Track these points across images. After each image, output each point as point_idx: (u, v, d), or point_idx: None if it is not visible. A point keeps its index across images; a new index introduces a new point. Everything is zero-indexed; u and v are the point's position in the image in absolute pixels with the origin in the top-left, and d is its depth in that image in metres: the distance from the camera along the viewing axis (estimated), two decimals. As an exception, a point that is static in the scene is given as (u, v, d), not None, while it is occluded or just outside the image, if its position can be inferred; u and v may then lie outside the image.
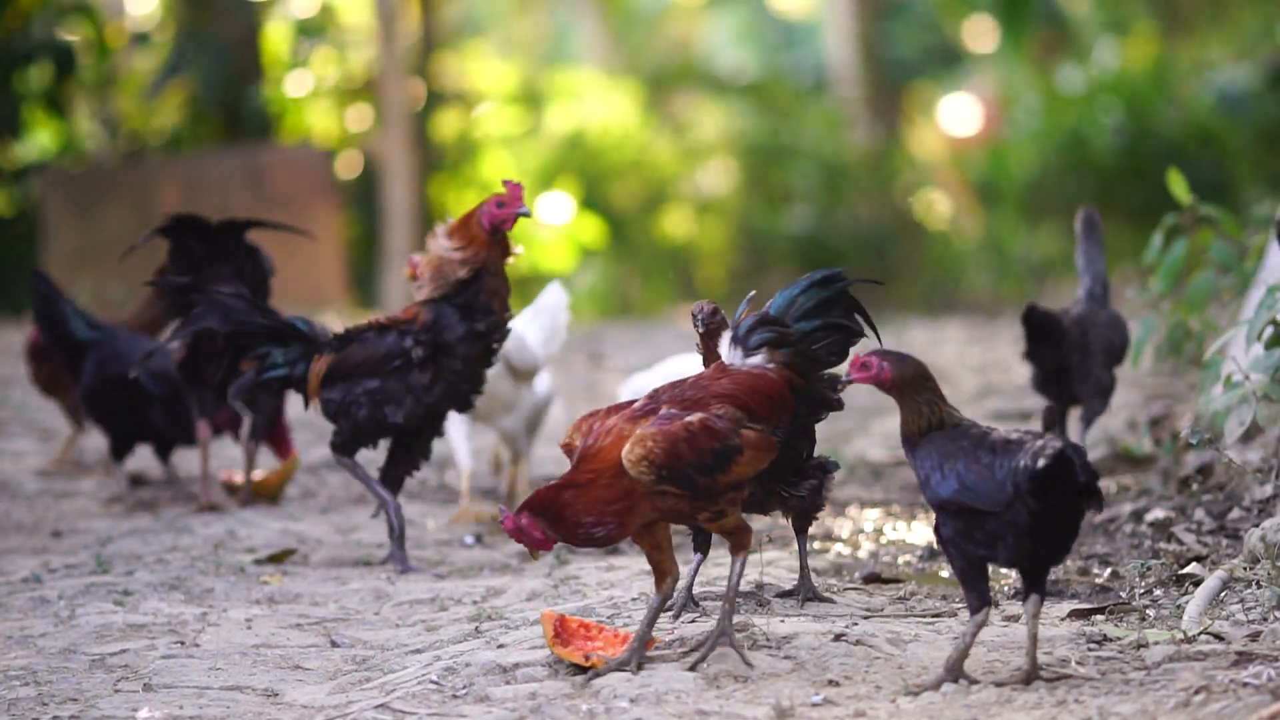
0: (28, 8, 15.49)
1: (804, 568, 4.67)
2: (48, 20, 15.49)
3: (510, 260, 5.33)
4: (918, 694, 3.80)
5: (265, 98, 16.63)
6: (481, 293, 5.29)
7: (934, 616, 4.54)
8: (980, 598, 3.79)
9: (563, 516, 3.91)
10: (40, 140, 16.20)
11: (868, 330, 4.33)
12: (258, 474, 6.57)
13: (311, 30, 17.06)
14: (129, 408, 6.67)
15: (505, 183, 5.26)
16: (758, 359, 4.07)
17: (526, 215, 5.23)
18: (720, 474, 3.92)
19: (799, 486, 4.49)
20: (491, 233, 5.26)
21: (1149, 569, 4.89)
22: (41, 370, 7.26)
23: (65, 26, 15.55)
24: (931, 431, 3.77)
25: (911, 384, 3.80)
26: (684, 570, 4.85)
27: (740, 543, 4.07)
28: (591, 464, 3.93)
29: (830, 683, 3.97)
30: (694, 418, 3.92)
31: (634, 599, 4.77)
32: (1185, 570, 4.82)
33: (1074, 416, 6.20)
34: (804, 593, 4.65)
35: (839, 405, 4.29)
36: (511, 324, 5.42)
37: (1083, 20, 19.03)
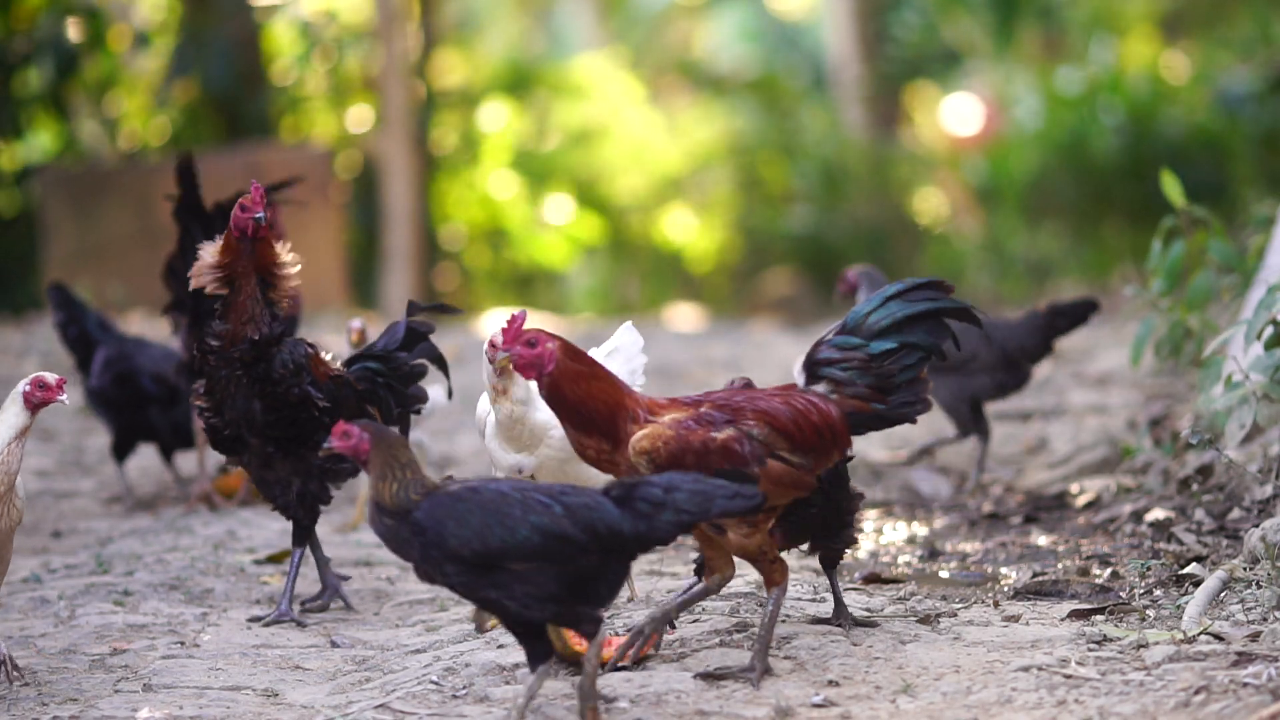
0: (33, 8, 15.49)
1: (839, 600, 4.47)
2: (52, 21, 15.49)
3: (278, 274, 4.87)
4: None
5: (266, 98, 16.63)
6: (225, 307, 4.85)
7: (934, 617, 4.54)
8: (546, 647, 3.65)
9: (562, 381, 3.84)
10: (41, 141, 16.20)
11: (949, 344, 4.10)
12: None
13: (311, 32, 17.05)
14: (132, 406, 6.71)
15: (254, 185, 4.87)
16: (821, 388, 3.99)
17: (259, 220, 4.78)
18: None
19: (839, 537, 4.38)
20: (240, 239, 4.80)
21: (1149, 569, 4.89)
22: None
23: (69, 27, 15.54)
24: (407, 502, 3.61)
25: (388, 453, 3.65)
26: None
27: (770, 576, 3.96)
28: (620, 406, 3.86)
29: (830, 683, 3.97)
30: (720, 435, 3.85)
31: (631, 599, 4.78)
32: (1185, 570, 4.82)
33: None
34: (846, 622, 4.43)
35: (914, 419, 4.10)
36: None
37: (1081, 20, 19.02)
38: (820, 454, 3.95)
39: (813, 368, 4.00)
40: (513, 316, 3.93)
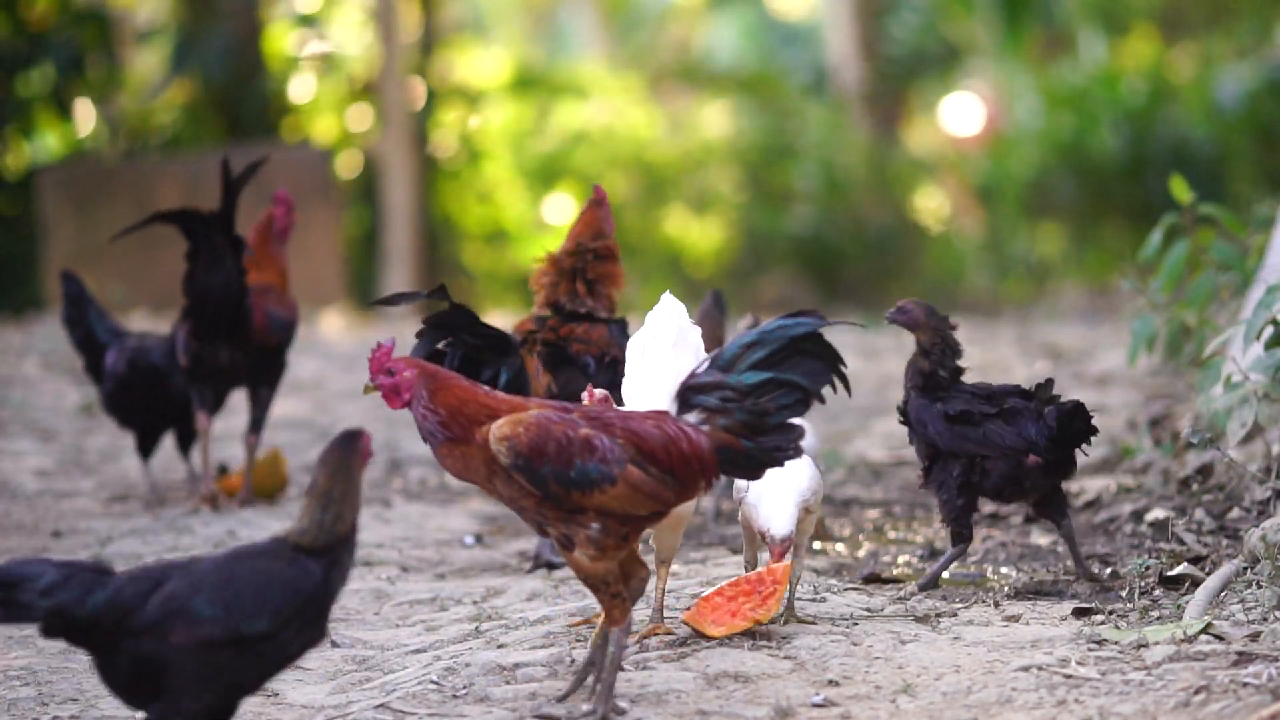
0: (38, 10, 15.51)
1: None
2: (60, 25, 15.50)
3: None
4: None
5: (266, 97, 16.64)
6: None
7: (934, 617, 4.54)
8: None
9: (436, 394, 3.71)
10: (45, 141, 16.21)
11: (836, 386, 3.84)
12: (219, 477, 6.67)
13: (311, 23, 17.05)
14: (153, 395, 6.68)
15: (598, 188, 5.37)
16: (692, 417, 3.79)
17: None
18: (578, 490, 3.66)
19: None
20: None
21: (1149, 569, 4.89)
22: None
23: (74, 30, 15.55)
24: None
25: None
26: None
27: (610, 612, 3.76)
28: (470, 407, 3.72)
29: (830, 683, 3.97)
30: (583, 430, 3.70)
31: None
32: (1179, 571, 4.81)
33: None
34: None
35: (782, 464, 3.86)
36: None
37: (1082, 20, 19.03)
38: (686, 482, 3.76)
39: (685, 395, 3.82)
40: (378, 346, 3.80)
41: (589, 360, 5.22)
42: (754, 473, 3.86)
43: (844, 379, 3.84)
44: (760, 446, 3.78)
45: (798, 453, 3.82)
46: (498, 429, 3.67)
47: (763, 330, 3.83)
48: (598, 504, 3.68)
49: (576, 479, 3.66)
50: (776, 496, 4.35)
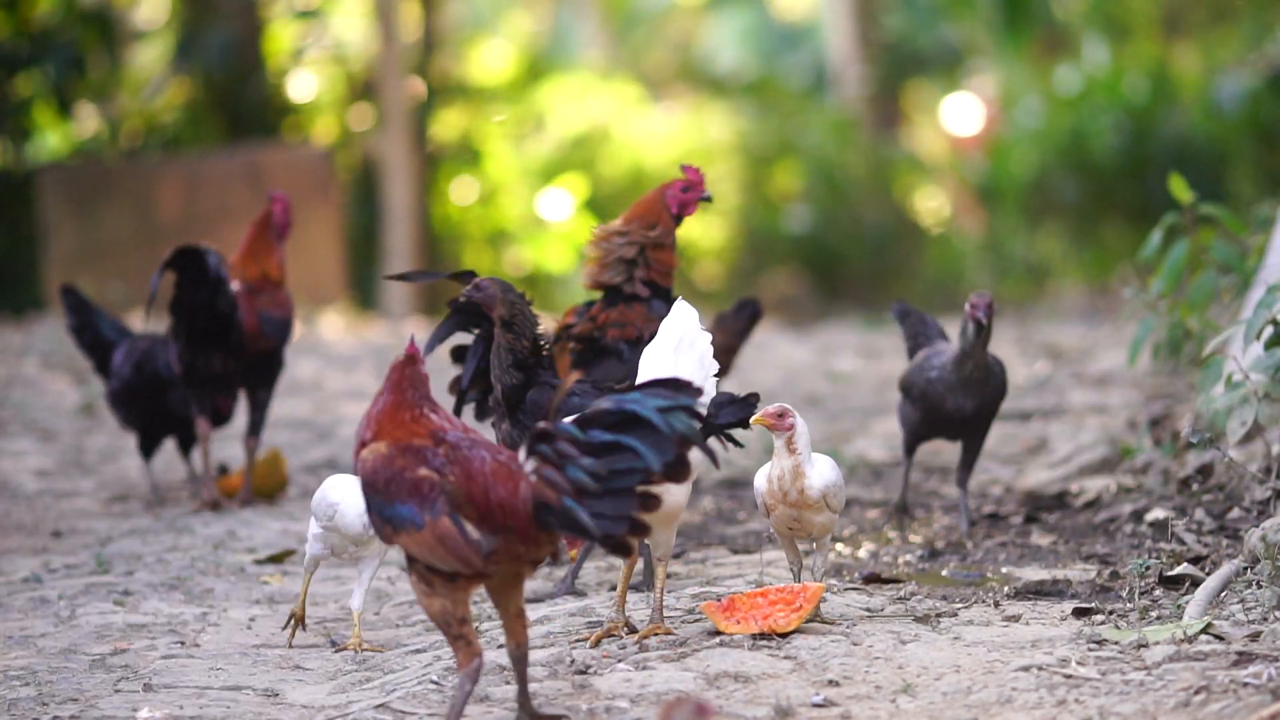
0: (44, 12, 15.51)
1: None
2: (61, 25, 15.50)
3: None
4: None
5: (266, 97, 16.63)
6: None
7: (934, 616, 4.54)
8: None
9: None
10: (46, 141, 16.20)
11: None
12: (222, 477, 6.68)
13: (313, 15, 17.06)
14: (155, 401, 6.69)
15: (685, 168, 5.33)
16: (530, 464, 3.60)
17: (709, 200, 5.32)
18: (389, 527, 3.63)
19: None
20: (676, 218, 5.34)
21: (1149, 569, 4.89)
22: None
23: (74, 30, 15.55)
24: None
25: None
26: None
27: (456, 655, 3.66)
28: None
29: (830, 683, 3.97)
30: (420, 472, 3.63)
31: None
32: (1179, 571, 4.82)
33: None
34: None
35: (597, 537, 3.53)
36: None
37: (1086, 24, 19.03)
38: (496, 531, 3.59)
39: (534, 440, 3.61)
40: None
41: (623, 346, 5.23)
42: (573, 534, 3.60)
43: (710, 454, 3.67)
44: (585, 508, 3.52)
45: (631, 530, 3.52)
46: (364, 451, 3.72)
47: (635, 388, 3.62)
48: (404, 544, 3.64)
49: (390, 517, 3.64)
50: (818, 460, 4.42)
